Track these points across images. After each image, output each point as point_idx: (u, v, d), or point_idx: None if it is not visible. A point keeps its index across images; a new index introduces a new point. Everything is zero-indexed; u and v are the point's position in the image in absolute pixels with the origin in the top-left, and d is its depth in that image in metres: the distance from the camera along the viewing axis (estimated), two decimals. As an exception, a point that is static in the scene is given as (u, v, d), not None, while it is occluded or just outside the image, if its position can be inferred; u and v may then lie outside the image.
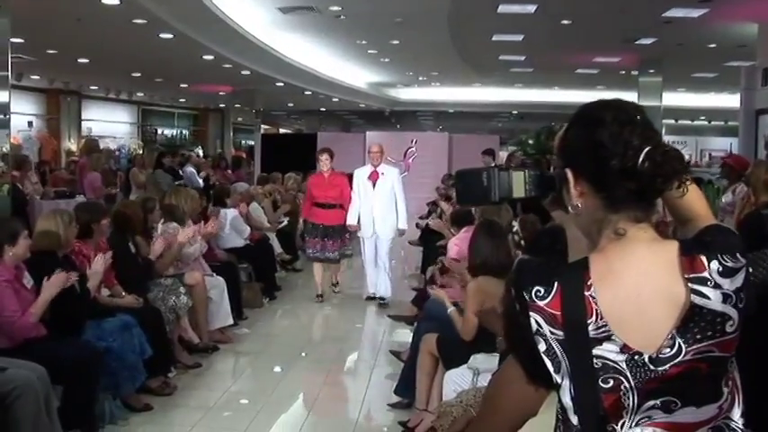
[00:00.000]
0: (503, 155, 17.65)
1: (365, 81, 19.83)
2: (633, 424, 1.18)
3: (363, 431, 4.53)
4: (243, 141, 27.25)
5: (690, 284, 1.17)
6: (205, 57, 12.75)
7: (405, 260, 10.18)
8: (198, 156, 18.02)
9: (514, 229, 4.01)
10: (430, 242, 8.24)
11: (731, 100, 15.53)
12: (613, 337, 1.17)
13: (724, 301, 1.17)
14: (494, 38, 12.37)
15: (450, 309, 4.08)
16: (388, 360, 5.64)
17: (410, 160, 17.37)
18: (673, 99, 17.23)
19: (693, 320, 1.16)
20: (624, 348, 1.17)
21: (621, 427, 1.18)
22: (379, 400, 4.84)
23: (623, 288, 1.19)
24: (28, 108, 17.07)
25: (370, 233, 7.53)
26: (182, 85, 18.33)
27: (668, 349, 1.16)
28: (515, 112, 25.64)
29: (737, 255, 1.20)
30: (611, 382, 1.17)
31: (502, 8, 9.98)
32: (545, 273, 1.22)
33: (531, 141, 15.27)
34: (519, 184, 1.36)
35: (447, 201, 9.28)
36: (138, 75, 15.94)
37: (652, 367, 1.16)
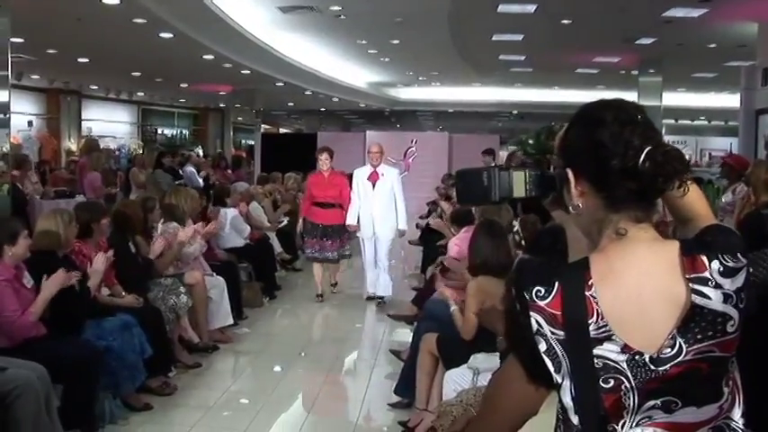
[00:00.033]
0: (503, 154, 17.66)
1: (365, 81, 19.83)
2: (634, 424, 1.18)
3: (363, 431, 4.53)
4: (243, 141, 27.26)
5: (691, 284, 1.17)
6: (205, 56, 12.76)
7: (405, 260, 10.18)
8: (198, 155, 18.02)
9: (515, 229, 4.01)
10: (430, 242, 8.24)
11: (731, 100, 15.54)
12: (614, 337, 1.17)
13: (725, 301, 1.17)
14: (494, 37, 12.37)
15: (453, 308, 4.08)
16: (388, 360, 5.64)
17: (410, 160, 17.38)
18: (673, 99, 17.23)
19: (694, 320, 1.16)
20: (625, 348, 1.17)
21: (622, 427, 1.18)
22: (379, 400, 4.84)
23: (624, 288, 1.19)
24: (28, 108, 17.08)
25: (370, 234, 7.52)
26: (182, 85, 18.33)
27: (669, 349, 1.16)
28: (515, 111, 25.63)
29: (738, 255, 1.20)
30: (612, 382, 1.17)
31: (502, 8, 9.98)
32: (546, 273, 1.22)
33: (530, 141, 15.24)
34: (519, 183, 1.36)
35: (447, 200, 9.28)
36: (139, 74, 15.94)
37: (653, 367, 1.16)
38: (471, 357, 3.77)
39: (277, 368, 5.72)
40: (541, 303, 1.20)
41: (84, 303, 4.40)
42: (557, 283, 1.19)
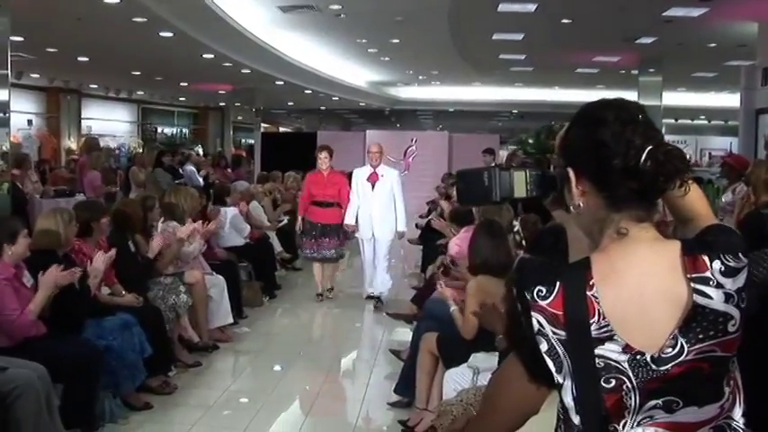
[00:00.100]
0: (503, 154, 17.67)
1: (365, 80, 19.82)
2: (635, 424, 1.18)
3: (363, 430, 4.54)
4: (243, 140, 27.25)
5: (692, 284, 1.17)
6: (205, 55, 12.75)
7: (404, 259, 10.18)
8: (198, 154, 18.02)
9: (515, 229, 4.01)
10: (430, 241, 8.24)
11: (731, 99, 15.53)
12: (615, 337, 1.17)
13: (726, 301, 1.17)
14: (494, 37, 12.36)
15: (453, 308, 4.07)
16: (387, 359, 5.64)
17: (410, 159, 17.39)
18: (673, 98, 17.22)
19: (696, 320, 1.16)
20: (626, 348, 1.17)
21: (623, 427, 1.18)
22: (379, 399, 4.84)
23: (625, 288, 1.19)
24: (28, 106, 17.07)
25: (369, 236, 7.48)
26: (182, 84, 18.32)
27: (670, 349, 1.16)
28: (515, 111, 25.62)
29: (739, 254, 1.20)
30: (613, 381, 1.17)
31: (502, 7, 9.97)
32: (547, 272, 1.22)
33: (530, 141, 15.27)
34: (520, 183, 1.36)
35: (447, 200, 9.27)
36: (138, 73, 15.93)
37: (654, 367, 1.16)
38: (471, 357, 3.78)
39: (277, 367, 5.72)
40: (543, 303, 1.20)
41: (84, 302, 4.40)
42: (558, 283, 1.19)
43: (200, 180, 12.75)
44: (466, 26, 11.53)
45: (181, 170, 12.67)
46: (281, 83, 16.69)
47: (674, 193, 1.25)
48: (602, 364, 1.17)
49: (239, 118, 25.18)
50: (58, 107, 18.14)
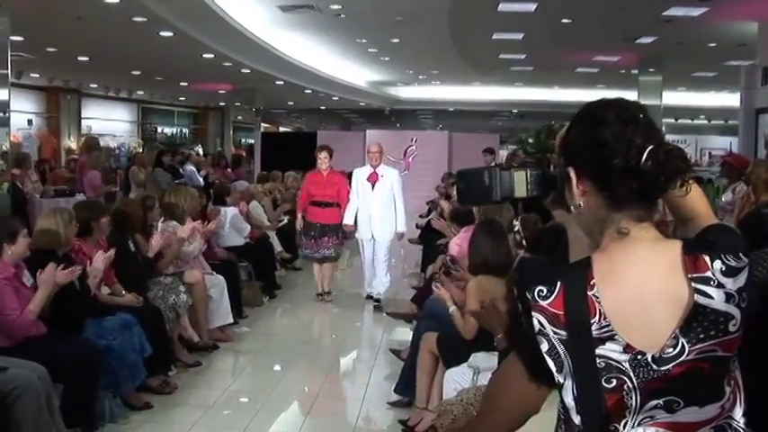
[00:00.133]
0: (503, 153, 17.67)
1: (365, 79, 19.82)
2: (636, 424, 1.18)
3: (363, 430, 4.54)
4: (243, 140, 27.24)
5: (693, 284, 1.17)
6: (205, 55, 12.74)
7: (404, 259, 10.18)
8: (198, 154, 18.02)
9: (516, 229, 4.01)
10: (430, 241, 8.23)
11: (731, 99, 15.52)
12: (616, 337, 1.17)
13: (727, 301, 1.17)
14: (494, 36, 12.36)
15: (452, 308, 4.07)
16: (387, 359, 5.64)
17: (410, 159, 17.39)
18: (673, 98, 17.21)
19: (697, 320, 1.16)
20: (627, 348, 1.17)
21: (624, 427, 1.18)
22: (379, 399, 4.85)
23: (626, 288, 1.19)
24: (28, 106, 17.05)
25: (369, 237, 7.45)
26: (182, 84, 18.31)
27: (671, 349, 1.16)
28: (515, 110, 25.62)
29: (740, 254, 1.20)
30: (614, 381, 1.17)
31: (502, 6, 9.97)
32: (548, 272, 1.22)
33: (530, 140, 15.25)
34: (521, 183, 1.36)
35: (447, 199, 9.27)
36: (138, 73, 15.93)
37: (655, 367, 1.16)
38: (471, 356, 3.77)
39: (277, 367, 5.72)
40: (544, 303, 1.20)
41: (85, 302, 4.40)
42: (559, 283, 1.19)
43: (201, 180, 12.75)
44: (466, 26, 11.53)
45: (181, 170, 12.67)
46: (281, 83, 16.69)
47: (674, 192, 1.24)
48: (603, 364, 1.17)
49: (239, 118, 25.18)
50: (58, 107, 18.13)
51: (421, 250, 8.98)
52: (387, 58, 15.83)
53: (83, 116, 19.03)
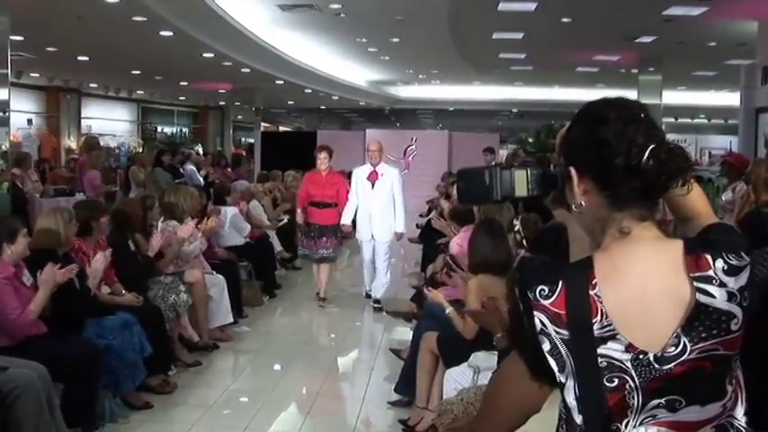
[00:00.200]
0: (503, 153, 17.67)
1: (365, 79, 19.82)
2: (638, 423, 1.17)
3: (363, 430, 4.54)
4: (243, 139, 27.25)
5: (695, 283, 1.17)
6: (205, 54, 12.75)
7: (405, 258, 10.18)
8: (198, 154, 18.02)
9: (516, 228, 4.01)
10: (430, 240, 8.22)
11: (731, 98, 15.51)
12: (618, 336, 1.17)
13: (729, 300, 1.17)
14: (494, 36, 12.36)
15: (449, 309, 4.07)
16: (387, 358, 5.64)
17: (410, 158, 17.39)
18: (673, 97, 17.21)
19: (699, 319, 1.16)
20: (629, 347, 1.16)
21: (626, 427, 1.18)
22: (379, 399, 4.84)
23: (628, 287, 1.18)
24: (28, 106, 17.06)
25: (368, 237, 7.40)
26: (181, 83, 18.32)
27: (673, 348, 1.16)
28: (515, 110, 25.62)
29: (742, 253, 1.19)
30: (616, 381, 1.17)
31: (502, 6, 9.97)
32: (549, 272, 1.22)
33: (530, 140, 15.26)
34: (521, 182, 1.35)
35: (447, 199, 9.27)
36: (138, 72, 15.93)
37: (657, 366, 1.16)
38: (472, 356, 3.77)
39: (277, 367, 5.72)
40: (545, 303, 1.19)
41: (85, 302, 4.40)
42: (560, 283, 1.19)
43: (201, 179, 12.75)
44: (466, 25, 11.53)
45: (181, 169, 12.66)
46: (281, 82, 16.70)
47: (675, 191, 1.24)
48: (605, 364, 1.17)
49: (239, 117, 25.19)
50: (58, 106, 18.14)
51: (421, 250, 8.97)
52: (387, 58, 15.82)
53: (83, 116, 19.04)
